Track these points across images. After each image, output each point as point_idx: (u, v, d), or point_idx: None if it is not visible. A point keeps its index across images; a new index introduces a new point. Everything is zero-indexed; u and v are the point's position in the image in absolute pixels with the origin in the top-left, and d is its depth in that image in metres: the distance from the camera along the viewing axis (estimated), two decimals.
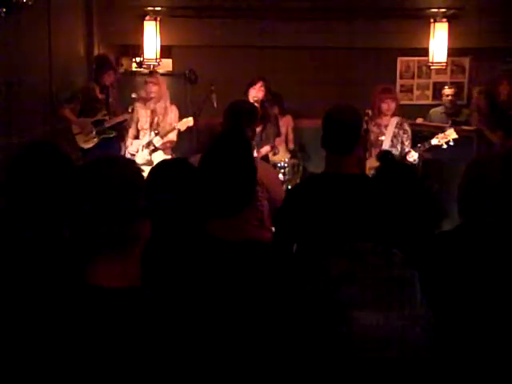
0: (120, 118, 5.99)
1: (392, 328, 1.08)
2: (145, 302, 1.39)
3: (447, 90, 6.74)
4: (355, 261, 1.13)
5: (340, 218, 2.50)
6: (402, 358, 1.09)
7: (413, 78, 7.62)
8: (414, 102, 7.51)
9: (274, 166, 5.05)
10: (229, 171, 1.88)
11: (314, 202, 2.56)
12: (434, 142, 5.01)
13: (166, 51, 7.16)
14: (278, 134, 5.59)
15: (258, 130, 5.05)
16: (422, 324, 1.12)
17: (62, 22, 6.43)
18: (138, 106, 5.65)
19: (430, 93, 7.63)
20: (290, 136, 5.83)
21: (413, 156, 4.93)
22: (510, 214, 2.09)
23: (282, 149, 5.59)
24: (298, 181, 5.44)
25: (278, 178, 4.44)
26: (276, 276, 1.87)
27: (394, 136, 5.01)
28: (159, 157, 5.37)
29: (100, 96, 6.13)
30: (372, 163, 4.86)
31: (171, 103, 5.67)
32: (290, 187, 4.88)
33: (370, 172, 4.47)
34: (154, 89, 5.50)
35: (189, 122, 5.47)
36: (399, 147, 4.97)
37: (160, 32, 7.01)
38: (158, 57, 7.04)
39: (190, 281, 1.76)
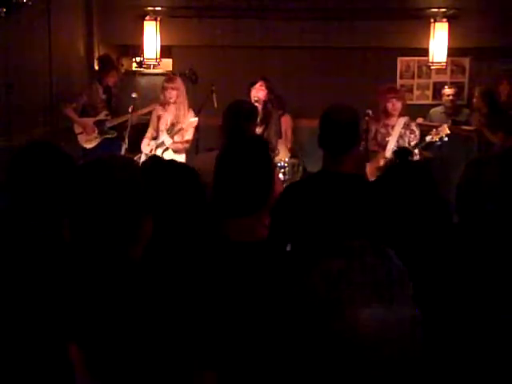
0: (122, 119, 5.99)
1: (391, 325, 1.09)
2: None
3: (447, 90, 6.74)
4: (353, 259, 1.13)
5: (335, 217, 2.49)
6: (400, 356, 1.10)
7: (413, 77, 7.62)
8: (414, 102, 7.50)
9: (274, 165, 5.05)
10: (250, 171, 1.88)
11: (309, 200, 2.56)
12: (428, 138, 5.01)
13: (166, 51, 7.16)
14: (280, 135, 5.59)
15: (260, 130, 5.05)
16: (417, 321, 1.13)
17: (62, 22, 6.43)
18: (158, 109, 5.61)
19: (430, 93, 7.63)
20: (289, 136, 5.82)
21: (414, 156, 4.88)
22: (507, 214, 2.09)
23: (282, 149, 5.58)
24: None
25: (278, 177, 4.44)
26: (273, 274, 1.88)
27: (401, 136, 4.94)
28: (171, 157, 5.38)
29: (103, 96, 6.14)
30: (375, 164, 4.86)
31: (189, 108, 5.61)
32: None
33: (374, 172, 4.46)
34: (173, 94, 5.47)
35: (194, 122, 5.48)
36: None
37: (160, 32, 7.01)
38: (158, 57, 7.04)
39: (205, 282, 1.75)
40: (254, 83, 5.39)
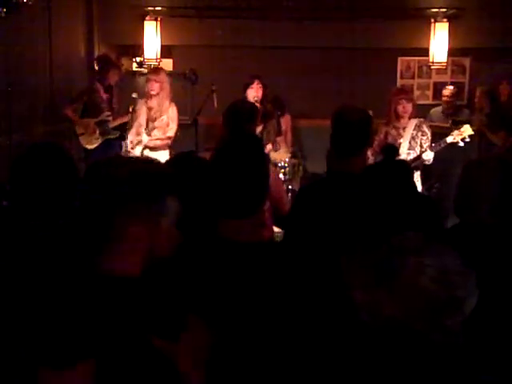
0: (123, 119, 5.98)
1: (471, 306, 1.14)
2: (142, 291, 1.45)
3: (445, 91, 6.76)
4: (406, 253, 1.17)
5: (348, 218, 2.48)
6: (444, 341, 1.13)
7: (413, 77, 7.62)
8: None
9: (275, 165, 5.04)
10: (246, 171, 1.88)
11: (324, 203, 2.55)
12: (450, 139, 4.83)
13: (166, 51, 7.16)
14: (279, 133, 5.57)
15: (260, 128, 5.03)
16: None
17: (62, 22, 6.43)
18: (140, 102, 5.56)
19: (430, 93, 7.63)
20: (289, 137, 5.81)
21: (428, 155, 4.74)
22: (505, 214, 2.09)
23: (282, 146, 5.58)
24: (298, 180, 5.43)
25: (279, 177, 4.43)
26: (290, 277, 1.88)
27: (412, 138, 4.84)
28: (153, 154, 5.32)
29: (104, 96, 6.13)
30: None
31: (171, 101, 5.56)
32: (290, 187, 4.86)
33: None
34: (155, 86, 5.41)
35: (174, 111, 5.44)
36: (418, 150, 4.80)
37: (160, 32, 7.01)
38: (158, 57, 7.04)
39: (204, 284, 1.75)
40: (249, 83, 5.37)
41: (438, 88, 7.34)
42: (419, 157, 4.79)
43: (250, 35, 7.04)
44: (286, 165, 5.41)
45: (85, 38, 7.10)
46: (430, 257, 1.19)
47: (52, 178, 1.99)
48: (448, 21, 6.99)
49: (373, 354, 1.19)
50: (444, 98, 6.72)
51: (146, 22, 6.98)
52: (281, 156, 5.45)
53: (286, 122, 5.76)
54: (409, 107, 4.87)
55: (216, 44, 7.07)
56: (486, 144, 6.01)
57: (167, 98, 5.50)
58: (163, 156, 5.22)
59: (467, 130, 4.84)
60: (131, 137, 5.54)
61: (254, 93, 5.31)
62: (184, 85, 6.64)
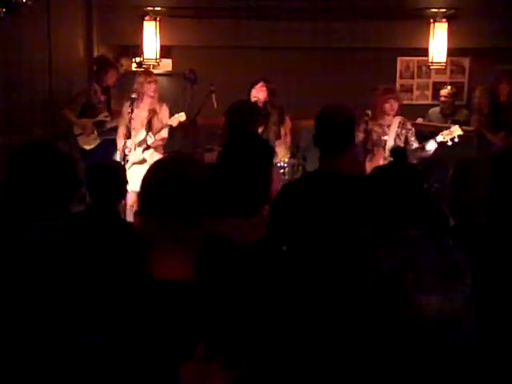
0: None
1: (455, 311, 1.13)
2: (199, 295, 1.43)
3: (443, 91, 6.78)
4: (411, 248, 1.18)
5: (331, 216, 2.50)
6: (463, 340, 1.14)
7: (412, 77, 7.62)
8: (414, 102, 7.52)
9: (274, 165, 5.05)
10: (250, 171, 1.88)
11: (305, 200, 2.58)
12: (439, 138, 4.99)
13: (165, 51, 7.17)
14: (279, 136, 5.59)
15: (260, 130, 5.04)
16: (473, 310, 1.20)
17: (62, 22, 6.44)
18: (127, 105, 5.46)
19: (429, 93, 7.64)
20: (289, 139, 5.80)
21: (432, 145, 4.92)
22: (499, 215, 2.10)
23: (281, 149, 5.58)
24: None
25: (281, 178, 4.44)
26: (271, 273, 1.88)
27: (397, 135, 5.02)
28: (151, 155, 5.33)
29: (102, 97, 6.14)
30: (375, 163, 4.86)
31: (161, 102, 5.56)
32: None
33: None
34: (153, 87, 5.42)
35: (180, 117, 5.41)
36: (402, 146, 4.95)
37: (160, 32, 7.01)
38: (158, 57, 7.04)
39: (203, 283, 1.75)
40: (254, 83, 5.39)
41: (438, 88, 7.35)
42: (423, 147, 4.90)
43: (250, 35, 7.05)
44: (286, 165, 5.42)
45: (84, 39, 7.10)
46: (404, 250, 1.19)
47: (48, 177, 1.99)
48: (447, 21, 6.99)
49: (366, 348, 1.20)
50: (442, 98, 6.75)
51: (145, 23, 6.99)
52: (280, 157, 5.46)
53: (285, 124, 5.77)
54: (396, 106, 5.04)
55: (215, 44, 7.08)
56: (486, 144, 6.01)
57: (159, 99, 5.52)
58: (160, 156, 5.25)
59: (456, 131, 4.98)
60: (122, 140, 5.48)
61: (255, 93, 5.32)
62: (183, 85, 6.64)
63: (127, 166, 5.35)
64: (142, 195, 1.50)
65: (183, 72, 6.42)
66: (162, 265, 1.42)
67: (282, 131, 5.70)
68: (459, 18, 7.04)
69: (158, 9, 7.03)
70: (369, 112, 4.80)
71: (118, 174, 3.31)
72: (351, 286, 1.30)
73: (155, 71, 7.11)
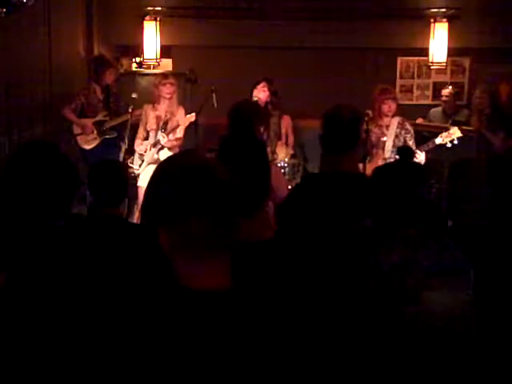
0: (121, 119, 5.98)
1: (456, 305, 1.15)
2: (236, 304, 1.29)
3: (444, 91, 6.78)
4: (414, 247, 1.20)
5: (337, 216, 2.50)
6: (464, 332, 1.15)
7: (413, 77, 7.62)
8: (414, 102, 7.51)
9: (275, 166, 5.06)
10: (247, 171, 1.88)
11: (313, 201, 2.57)
12: (438, 140, 4.95)
13: (165, 51, 7.16)
14: (279, 137, 5.60)
15: (260, 131, 5.04)
16: (472, 305, 1.22)
17: (62, 22, 6.43)
18: (147, 108, 5.58)
19: (429, 93, 7.63)
20: (290, 138, 5.79)
21: (419, 156, 4.84)
22: (495, 215, 2.09)
23: (281, 150, 5.59)
24: (298, 181, 5.44)
25: (283, 178, 4.44)
26: (274, 274, 1.88)
27: (396, 136, 4.98)
28: (166, 155, 5.36)
29: (101, 96, 6.14)
30: (374, 165, 4.86)
31: (179, 104, 5.65)
32: (289, 187, 4.87)
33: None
34: (172, 89, 5.47)
35: (191, 117, 5.45)
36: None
37: (160, 32, 7.01)
38: (158, 57, 7.04)
39: None
40: (257, 83, 5.40)
41: (438, 88, 7.34)
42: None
43: (250, 35, 7.05)
44: (286, 165, 5.42)
45: (84, 38, 7.10)
46: (403, 248, 1.20)
47: (48, 177, 1.98)
48: (447, 21, 6.99)
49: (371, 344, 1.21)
50: (443, 98, 6.75)
51: (145, 22, 6.99)
52: (280, 157, 5.46)
53: (286, 124, 5.77)
54: (394, 106, 4.99)
55: (215, 44, 7.08)
56: (486, 144, 6.01)
57: (177, 100, 5.58)
58: None
59: (456, 133, 4.95)
60: (139, 141, 5.57)
61: (256, 93, 5.34)
62: (183, 85, 6.63)
63: (142, 166, 5.43)
64: (154, 203, 1.29)
65: (183, 72, 6.42)
66: (195, 275, 1.26)
67: (283, 131, 5.70)
68: (460, 17, 7.04)
69: (158, 9, 7.03)
70: (369, 112, 4.79)
71: (121, 173, 3.27)
72: (355, 285, 1.30)
73: (155, 71, 7.12)
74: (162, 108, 5.51)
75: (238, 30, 7.02)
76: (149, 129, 5.57)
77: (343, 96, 6.45)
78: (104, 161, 3.43)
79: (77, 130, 6.06)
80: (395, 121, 5.01)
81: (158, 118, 5.50)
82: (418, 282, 1.16)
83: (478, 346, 1.25)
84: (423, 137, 5.41)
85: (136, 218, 5.31)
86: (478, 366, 1.26)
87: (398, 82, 7.54)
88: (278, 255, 2.04)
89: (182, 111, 5.60)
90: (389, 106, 4.98)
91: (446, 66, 7.29)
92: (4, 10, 4.52)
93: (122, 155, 5.54)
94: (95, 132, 6.00)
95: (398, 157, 2.53)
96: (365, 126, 4.81)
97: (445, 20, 6.99)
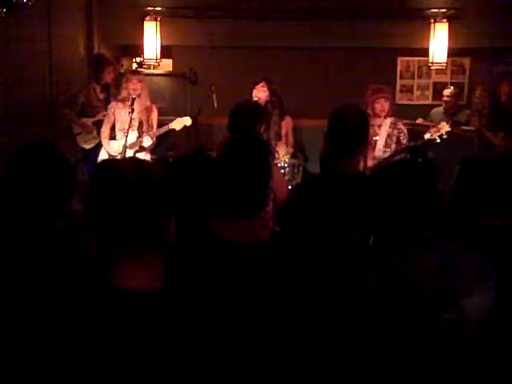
0: None
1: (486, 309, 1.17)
2: (167, 305, 1.33)
3: (446, 91, 6.78)
4: (446, 253, 1.21)
5: (341, 216, 2.49)
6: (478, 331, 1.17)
7: (413, 78, 7.61)
8: (414, 102, 7.52)
9: (276, 166, 5.06)
10: (249, 174, 1.88)
11: (317, 201, 2.56)
12: (427, 136, 4.95)
13: (166, 51, 7.16)
14: (279, 137, 5.59)
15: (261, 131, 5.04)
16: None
17: (62, 22, 6.43)
18: (116, 106, 5.41)
19: (430, 93, 7.63)
20: (291, 138, 5.78)
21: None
22: (504, 214, 2.09)
23: (281, 150, 5.59)
24: (298, 181, 5.44)
25: (284, 178, 4.43)
26: (271, 275, 1.88)
27: (388, 136, 4.98)
28: (143, 157, 5.23)
29: (101, 96, 6.13)
30: (363, 163, 4.85)
31: (152, 102, 5.49)
32: (290, 187, 4.87)
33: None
34: (139, 86, 5.28)
35: (186, 121, 5.34)
36: (393, 147, 4.93)
37: (160, 32, 7.01)
38: (158, 57, 7.04)
39: (203, 284, 1.74)
40: (256, 83, 5.39)
41: (438, 88, 7.35)
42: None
43: (250, 35, 7.04)
44: (286, 165, 5.42)
45: (85, 38, 7.10)
46: (434, 251, 1.21)
47: (47, 177, 1.98)
48: (448, 21, 6.98)
49: (374, 347, 1.21)
50: (444, 98, 6.76)
51: (145, 23, 6.99)
52: (280, 156, 5.46)
53: (286, 124, 5.77)
54: (386, 106, 4.99)
55: (216, 44, 7.07)
56: (485, 144, 6.01)
57: (148, 99, 5.41)
58: (147, 157, 5.29)
59: (444, 127, 4.94)
60: (107, 140, 5.44)
61: (255, 93, 5.34)
62: (183, 85, 6.64)
63: None
64: (90, 210, 1.34)
65: (183, 72, 6.42)
66: (125, 277, 1.31)
67: (283, 131, 5.70)
68: (460, 18, 7.03)
69: (159, 9, 7.03)
70: (369, 112, 4.79)
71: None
72: (354, 286, 1.31)
73: (155, 71, 7.13)
74: (136, 107, 5.25)
75: (238, 30, 7.02)
76: (119, 128, 5.39)
77: (343, 96, 6.43)
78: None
79: (77, 129, 6.06)
80: (388, 121, 5.02)
81: (129, 117, 5.22)
82: (457, 286, 1.17)
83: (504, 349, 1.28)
84: (422, 134, 5.40)
85: None
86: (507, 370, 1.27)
87: (399, 82, 7.54)
88: (278, 255, 2.04)
89: (155, 111, 5.45)
90: (381, 105, 4.97)
91: (446, 66, 7.28)
92: (4, 9, 4.52)
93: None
94: (95, 132, 5.99)
95: (396, 157, 2.54)
96: None
97: (445, 20, 6.99)
